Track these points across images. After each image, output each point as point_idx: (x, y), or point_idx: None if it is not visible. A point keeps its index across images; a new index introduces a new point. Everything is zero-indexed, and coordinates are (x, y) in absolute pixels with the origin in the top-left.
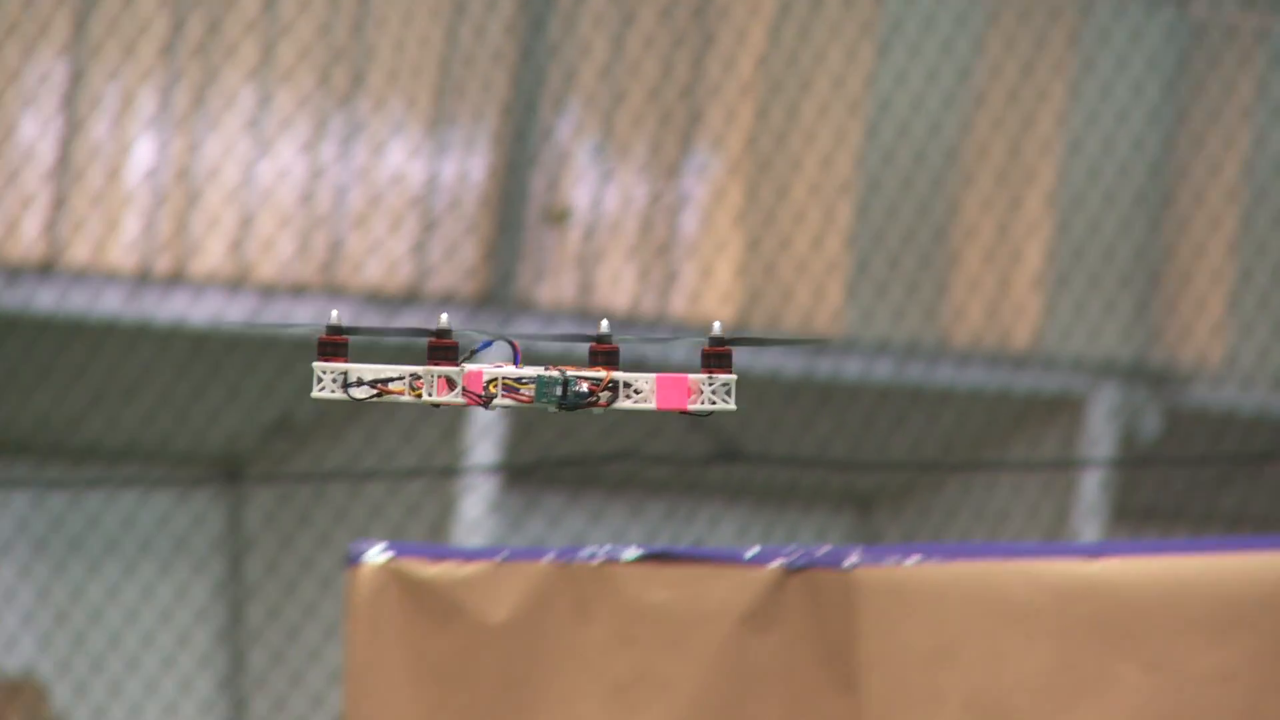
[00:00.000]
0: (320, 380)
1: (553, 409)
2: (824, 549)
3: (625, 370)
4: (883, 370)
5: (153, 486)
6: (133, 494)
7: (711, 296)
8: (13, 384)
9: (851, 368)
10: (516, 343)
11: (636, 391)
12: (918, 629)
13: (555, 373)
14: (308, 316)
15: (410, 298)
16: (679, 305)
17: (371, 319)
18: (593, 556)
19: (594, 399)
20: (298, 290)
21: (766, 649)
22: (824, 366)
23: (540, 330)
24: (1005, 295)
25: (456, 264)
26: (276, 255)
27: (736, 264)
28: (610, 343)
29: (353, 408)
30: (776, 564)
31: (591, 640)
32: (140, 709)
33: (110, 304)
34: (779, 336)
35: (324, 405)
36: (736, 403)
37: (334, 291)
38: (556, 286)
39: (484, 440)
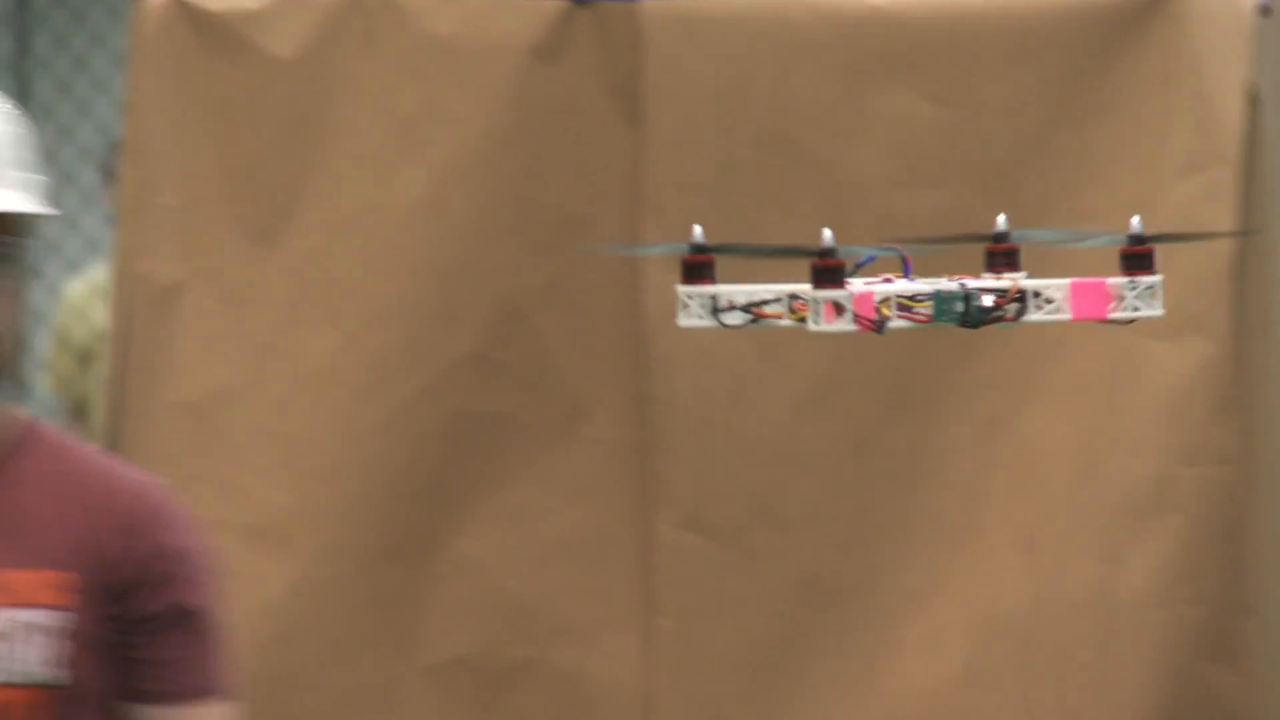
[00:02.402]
0: (686, 305)
1: (954, 326)
2: None
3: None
4: None
5: None
6: None
7: None
8: None
9: None
10: (907, 254)
11: (1048, 301)
12: (706, 63)
13: (956, 285)
14: None
15: None
16: None
17: None
18: None
19: (1000, 313)
20: None
21: (554, 82)
22: None
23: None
24: None
25: None
26: None
27: None
28: (1009, 241)
29: None
30: None
31: (378, 74)
32: None
33: None
34: (1207, 231)
35: None
36: None
37: None
38: None
39: None
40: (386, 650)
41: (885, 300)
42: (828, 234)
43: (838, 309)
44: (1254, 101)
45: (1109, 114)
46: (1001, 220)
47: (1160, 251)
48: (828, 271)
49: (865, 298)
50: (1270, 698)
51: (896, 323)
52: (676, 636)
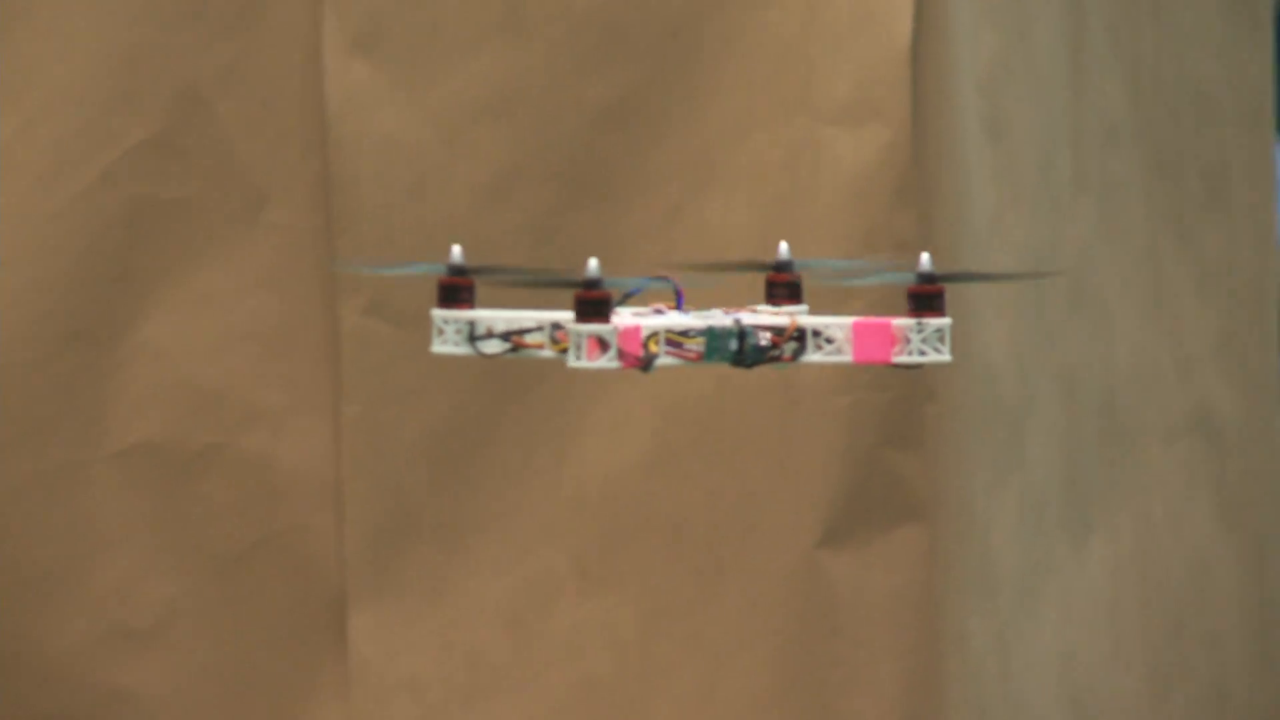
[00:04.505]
0: (441, 331)
1: (727, 365)
2: None
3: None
4: None
5: None
6: None
7: None
8: None
9: None
10: (680, 283)
11: (829, 341)
12: None
13: (730, 320)
14: None
15: None
16: None
17: None
18: None
19: (777, 352)
20: None
21: None
22: None
23: None
24: None
25: None
26: None
27: None
28: (791, 271)
29: None
30: None
31: None
32: None
33: None
34: (999, 272)
35: None
36: None
37: None
38: None
39: None
40: (71, 436)
41: (653, 335)
42: (593, 264)
43: (601, 344)
44: None
45: None
46: (784, 248)
47: (835, 40)
48: (591, 304)
49: (632, 333)
50: (947, 480)
51: (665, 360)
52: (362, 423)
